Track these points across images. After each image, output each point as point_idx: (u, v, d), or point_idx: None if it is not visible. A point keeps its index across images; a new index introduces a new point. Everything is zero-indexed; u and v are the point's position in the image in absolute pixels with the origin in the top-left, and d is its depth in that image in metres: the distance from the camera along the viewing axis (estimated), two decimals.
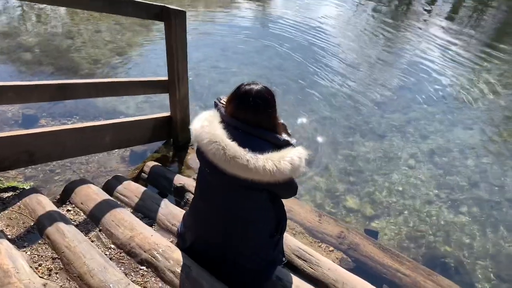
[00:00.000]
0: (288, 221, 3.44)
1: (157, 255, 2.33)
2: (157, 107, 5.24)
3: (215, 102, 2.10)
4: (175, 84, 3.76)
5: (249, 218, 1.99)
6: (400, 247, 3.81)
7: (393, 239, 3.89)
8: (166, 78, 3.80)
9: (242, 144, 1.74)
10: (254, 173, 1.70)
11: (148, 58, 6.81)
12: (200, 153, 1.85)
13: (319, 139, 5.18)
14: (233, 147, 1.72)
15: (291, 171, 1.76)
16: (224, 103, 1.96)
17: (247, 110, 1.82)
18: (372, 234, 3.67)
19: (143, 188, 3.36)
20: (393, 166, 4.84)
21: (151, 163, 3.85)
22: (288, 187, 1.93)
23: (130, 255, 2.43)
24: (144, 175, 3.77)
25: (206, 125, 1.81)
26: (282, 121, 2.13)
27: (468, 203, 4.37)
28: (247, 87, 1.85)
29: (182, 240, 2.39)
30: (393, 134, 5.40)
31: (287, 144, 1.89)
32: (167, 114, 4.06)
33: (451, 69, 7.39)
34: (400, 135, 5.39)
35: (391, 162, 4.90)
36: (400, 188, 4.52)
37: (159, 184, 3.69)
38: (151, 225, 2.98)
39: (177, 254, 2.31)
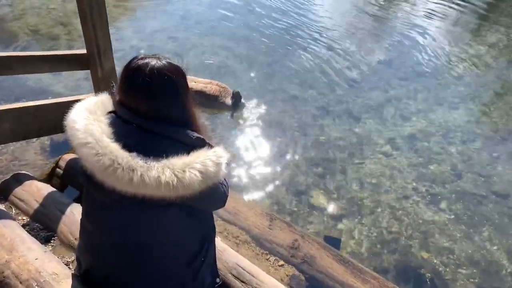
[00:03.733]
0: (231, 228, 2.84)
1: None
2: None
3: (112, 84, 1.51)
4: (95, 58, 3.06)
5: (154, 243, 1.47)
6: (369, 253, 3.24)
7: (362, 243, 3.31)
8: (84, 51, 3.09)
9: (132, 145, 1.29)
10: (144, 187, 1.24)
11: None
12: (78, 158, 1.35)
13: (286, 122, 4.52)
14: (112, 150, 1.26)
15: (202, 182, 1.30)
16: None
17: (138, 95, 1.34)
18: (333, 242, 3.08)
19: (48, 190, 2.70)
20: (367, 154, 4.23)
21: (69, 156, 3.16)
22: (208, 199, 1.44)
23: None
24: (60, 171, 3.09)
25: (83, 118, 1.33)
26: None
27: (450, 198, 3.80)
28: (140, 61, 1.34)
29: (78, 263, 1.80)
30: (370, 116, 4.75)
31: (201, 143, 1.39)
32: (91, 95, 3.34)
33: (436, 41, 6.69)
34: (378, 117, 4.75)
35: (365, 149, 4.28)
36: (374, 181, 3.92)
37: (77, 184, 3.02)
38: (49, 240, 2.37)
39: (65, 285, 1.73)
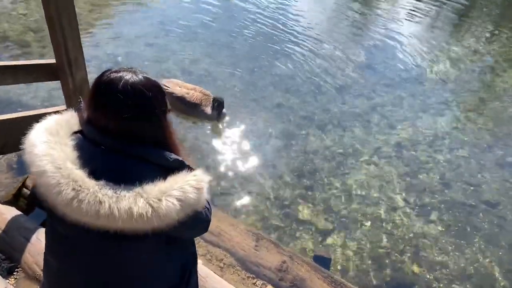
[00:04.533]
0: (214, 250, 2.65)
1: None
2: None
3: (79, 99, 1.41)
4: (65, 68, 2.84)
5: (128, 280, 1.31)
6: (360, 269, 3.10)
7: (351, 260, 3.16)
8: (53, 61, 2.87)
9: (100, 171, 1.14)
10: (113, 221, 1.09)
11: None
12: (37, 187, 1.16)
13: (269, 132, 4.36)
14: (76, 179, 1.10)
15: (180, 211, 1.15)
16: None
17: (108, 113, 1.19)
18: (323, 262, 2.92)
19: (12, 214, 2.48)
20: (354, 164, 4.10)
21: None
22: (188, 227, 1.28)
23: None
24: (26, 192, 2.85)
25: (43, 141, 1.16)
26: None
27: (440, 208, 3.70)
28: (113, 75, 1.21)
29: None
30: (355, 124, 4.63)
31: (179, 166, 1.25)
32: (63, 107, 3.11)
33: (422, 47, 6.66)
34: (363, 125, 4.64)
35: (351, 159, 4.15)
36: (362, 192, 3.79)
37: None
38: (12, 272, 2.16)
39: None
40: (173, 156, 1.25)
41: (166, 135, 1.30)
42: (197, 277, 1.66)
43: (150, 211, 1.10)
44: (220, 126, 4.30)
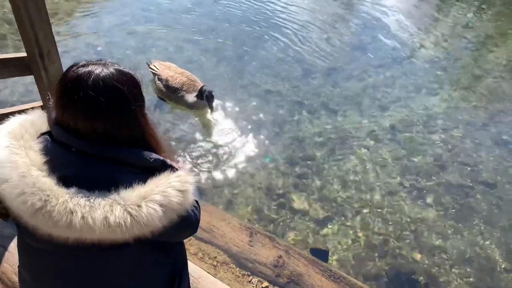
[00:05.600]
0: (207, 247, 2.54)
1: None
2: None
3: (48, 96, 1.21)
4: (37, 62, 2.66)
5: None
6: (358, 259, 3.01)
7: (349, 249, 3.07)
8: (25, 54, 2.69)
9: (71, 177, 1.04)
10: (88, 231, 0.99)
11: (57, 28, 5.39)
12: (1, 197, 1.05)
13: (259, 119, 4.21)
14: (43, 188, 0.99)
15: (163, 217, 1.06)
16: None
17: (78, 113, 1.07)
18: (321, 254, 2.83)
19: None
20: (348, 149, 3.98)
21: None
22: (174, 231, 1.16)
23: None
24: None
25: (4, 146, 1.05)
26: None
27: (437, 191, 3.61)
28: (81, 70, 1.08)
29: None
30: (347, 108, 4.50)
31: (161, 166, 1.14)
32: (39, 103, 2.93)
33: (411, 24, 6.49)
34: (356, 108, 4.51)
35: (345, 144, 4.03)
36: (357, 178, 3.68)
37: None
38: None
39: None
40: (154, 155, 1.13)
41: (145, 132, 1.17)
42: (188, 280, 1.55)
43: (129, 219, 1.00)
44: (210, 117, 4.11)
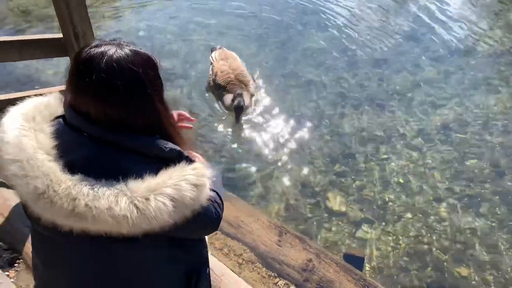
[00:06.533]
0: (233, 243, 2.43)
1: None
2: None
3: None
4: (72, 43, 2.66)
5: (121, 284, 1.14)
6: (397, 268, 2.77)
7: (387, 256, 2.84)
8: (61, 35, 2.68)
9: (79, 164, 1.00)
10: (93, 222, 0.94)
11: (102, 9, 5.46)
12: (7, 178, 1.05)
13: (300, 111, 4.00)
14: (46, 172, 0.95)
15: (174, 212, 0.98)
16: None
17: (89, 97, 1.02)
18: (355, 261, 2.62)
19: (16, 200, 2.34)
20: (394, 148, 3.69)
21: None
22: (191, 227, 1.11)
23: None
24: None
25: (15, 127, 1.02)
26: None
27: (491, 200, 3.27)
28: (94, 50, 1.03)
29: None
30: (396, 103, 4.18)
31: (176, 157, 1.06)
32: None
33: (472, 14, 5.94)
34: (405, 104, 4.18)
35: (390, 142, 3.74)
36: (402, 180, 3.41)
37: None
38: (12, 264, 2.06)
39: None
40: (170, 145, 1.07)
41: (162, 119, 1.11)
42: (208, 282, 1.44)
43: (135, 212, 0.94)
44: (238, 127, 3.80)
